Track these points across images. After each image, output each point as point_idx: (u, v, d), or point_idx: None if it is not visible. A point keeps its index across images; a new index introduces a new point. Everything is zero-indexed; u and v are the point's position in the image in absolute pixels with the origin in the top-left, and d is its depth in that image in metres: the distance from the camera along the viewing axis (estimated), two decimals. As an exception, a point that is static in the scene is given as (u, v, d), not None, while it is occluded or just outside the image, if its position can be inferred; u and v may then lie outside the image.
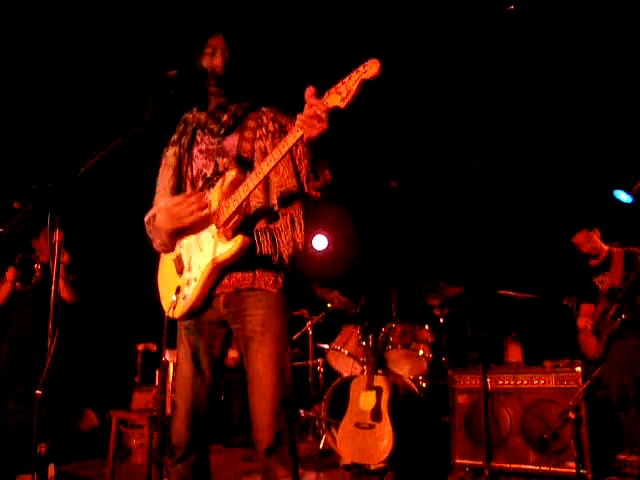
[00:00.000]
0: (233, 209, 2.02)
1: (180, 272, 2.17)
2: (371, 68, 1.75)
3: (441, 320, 4.88)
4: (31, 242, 4.51)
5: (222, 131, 2.20)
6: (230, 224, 2.06)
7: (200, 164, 2.23)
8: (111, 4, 4.53)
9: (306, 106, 1.86)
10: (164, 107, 1.94)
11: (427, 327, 4.80)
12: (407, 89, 5.51)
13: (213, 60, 2.19)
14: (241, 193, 2.01)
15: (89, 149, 1.77)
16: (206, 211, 2.08)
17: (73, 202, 1.64)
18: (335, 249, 6.44)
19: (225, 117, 2.19)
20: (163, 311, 2.21)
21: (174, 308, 2.14)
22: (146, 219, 2.29)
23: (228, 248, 2.03)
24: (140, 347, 5.19)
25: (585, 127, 5.75)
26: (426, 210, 6.54)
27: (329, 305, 5.32)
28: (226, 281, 2.10)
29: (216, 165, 2.19)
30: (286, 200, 2.10)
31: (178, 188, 2.27)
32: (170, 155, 2.29)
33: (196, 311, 2.14)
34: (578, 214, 4.96)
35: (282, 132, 2.14)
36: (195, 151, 2.25)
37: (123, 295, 5.98)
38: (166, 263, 2.26)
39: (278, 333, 2.07)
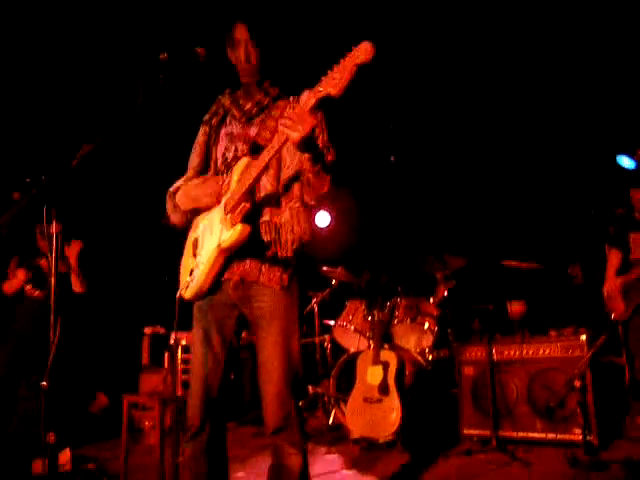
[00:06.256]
0: (239, 195, 2.03)
1: (195, 255, 2.20)
2: (364, 52, 1.71)
3: (446, 293, 4.88)
4: (37, 240, 4.45)
5: (244, 119, 2.22)
6: (237, 211, 2.06)
7: (223, 147, 2.26)
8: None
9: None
10: (156, 91, 1.92)
11: (432, 300, 4.81)
12: (405, 62, 5.44)
13: (239, 55, 2.17)
14: (246, 180, 2.02)
15: (82, 139, 1.76)
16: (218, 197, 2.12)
17: (70, 193, 1.64)
18: (338, 225, 6.43)
19: (249, 105, 2.22)
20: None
21: (186, 289, 2.18)
22: (169, 193, 2.33)
23: (229, 235, 2.04)
24: (148, 330, 5.24)
25: (586, 91, 5.67)
26: (427, 183, 6.50)
27: (333, 281, 5.32)
28: (234, 268, 2.12)
29: (236, 150, 2.21)
30: (290, 189, 2.12)
31: (203, 166, 2.31)
32: (201, 134, 2.35)
33: (203, 294, 2.17)
34: (580, 180, 4.91)
35: None
36: (222, 133, 2.28)
37: (130, 279, 6.01)
38: (188, 244, 2.29)
39: (286, 319, 2.09)
